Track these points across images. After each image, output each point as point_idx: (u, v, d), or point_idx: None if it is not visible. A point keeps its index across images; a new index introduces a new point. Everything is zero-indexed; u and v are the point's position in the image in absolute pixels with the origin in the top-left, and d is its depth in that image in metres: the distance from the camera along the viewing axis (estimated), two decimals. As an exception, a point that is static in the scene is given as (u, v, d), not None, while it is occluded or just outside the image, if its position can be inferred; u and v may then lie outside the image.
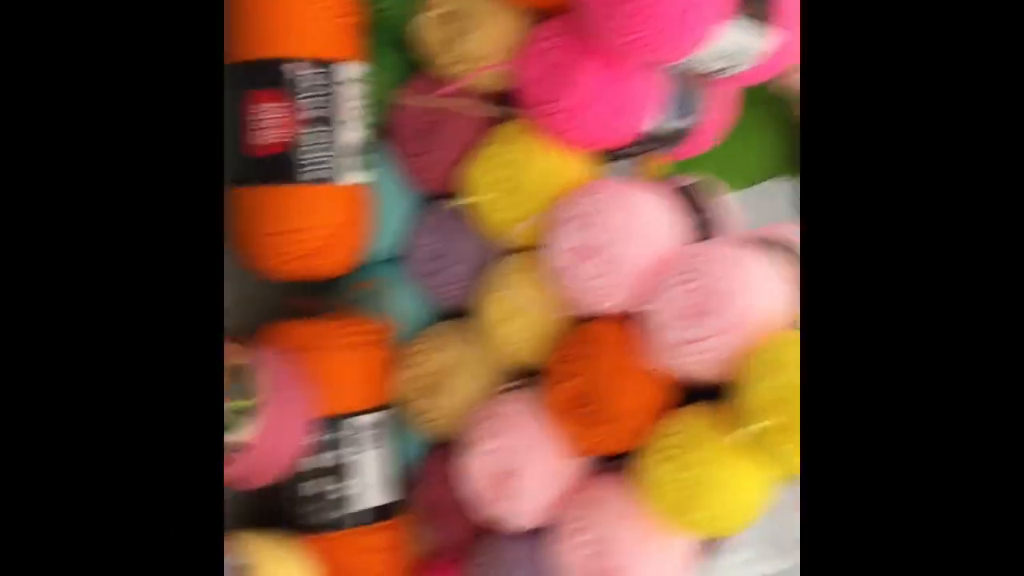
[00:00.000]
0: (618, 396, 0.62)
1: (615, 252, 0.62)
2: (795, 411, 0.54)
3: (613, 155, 0.71)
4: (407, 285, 0.72)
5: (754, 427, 0.56)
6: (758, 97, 0.81)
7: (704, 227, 0.67)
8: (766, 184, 0.98)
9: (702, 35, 0.59)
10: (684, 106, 0.69)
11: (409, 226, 0.72)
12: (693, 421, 0.61)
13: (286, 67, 0.63)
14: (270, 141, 0.63)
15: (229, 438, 0.55)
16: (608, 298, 0.63)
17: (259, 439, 0.57)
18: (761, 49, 0.65)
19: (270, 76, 0.63)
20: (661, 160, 0.77)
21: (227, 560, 0.56)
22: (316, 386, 0.63)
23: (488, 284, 0.69)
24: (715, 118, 0.74)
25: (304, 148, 0.63)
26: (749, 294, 0.59)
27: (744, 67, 0.66)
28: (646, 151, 0.72)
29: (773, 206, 0.98)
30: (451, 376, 0.70)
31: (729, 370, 0.59)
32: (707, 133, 0.74)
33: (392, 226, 0.72)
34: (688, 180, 0.72)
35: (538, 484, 0.65)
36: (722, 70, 0.65)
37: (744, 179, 0.92)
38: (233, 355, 0.57)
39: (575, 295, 0.64)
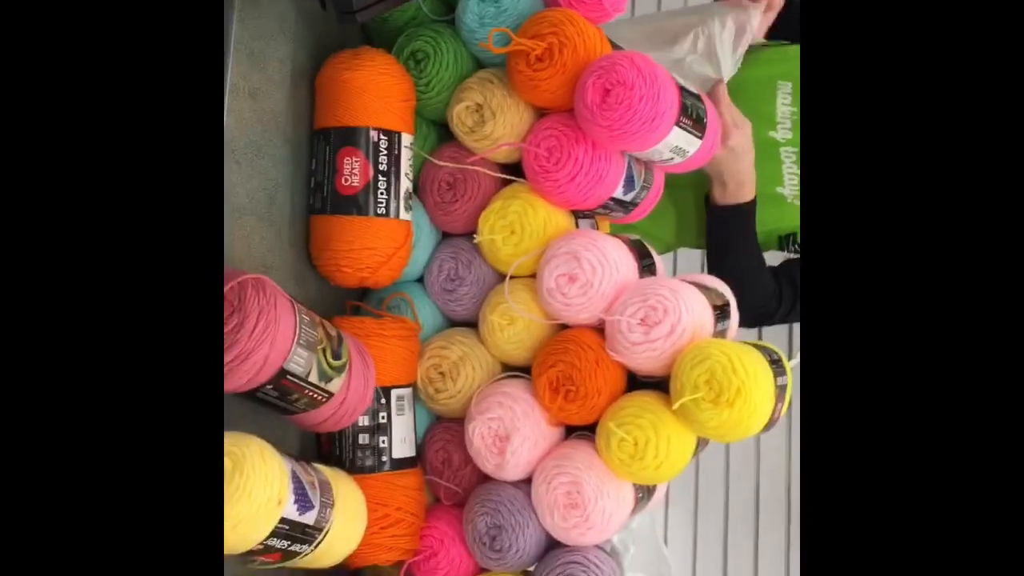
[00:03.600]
0: (588, 381, 0.87)
1: (590, 279, 0.88)
2: (712, 391, 0.81)
3: (582, 213, 0.99)
4: (428, 298, 0.97)
5: (685, 399, 0.83)
6: (674, 182, 1.09)
7: (648, 269, 0.95)
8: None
9: (660, 135, 0.88)
10: (636, 184, 0.97)
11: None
12: (640, 399, 0.87)
13: (367, 133, 0.87)
14: (352, 184, 0.87)
15: (325, 386, 0.77)
16: (584, 311, 0.89)
17: (344, 392, 0.79)
18: (694, 149, 0.94)
19: (355, 139, 0.87)
20: (612, 221, 1.05)
21: (312, 474, 0.77)
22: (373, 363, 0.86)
23: (492, 300, 0.94)
24: (653, 195, 1.02)
25: (375, 191, 0.88)
26: (683, 312, 0.86)
27: (681, 160, 0.95)
28: (605, 213, 1.00)
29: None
30: (460, 366, 0.94)
31: (667, 364, 0.85)
32: (647, 205, 1.02)
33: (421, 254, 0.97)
34: (634, 236, 1.00)
35: (527, 445, 0.89)
36: (666, 160, 0.94)
37: (660, 245, 1.22)
38: (330, 327, 0.79)
39: (560, 309, 0.89)
